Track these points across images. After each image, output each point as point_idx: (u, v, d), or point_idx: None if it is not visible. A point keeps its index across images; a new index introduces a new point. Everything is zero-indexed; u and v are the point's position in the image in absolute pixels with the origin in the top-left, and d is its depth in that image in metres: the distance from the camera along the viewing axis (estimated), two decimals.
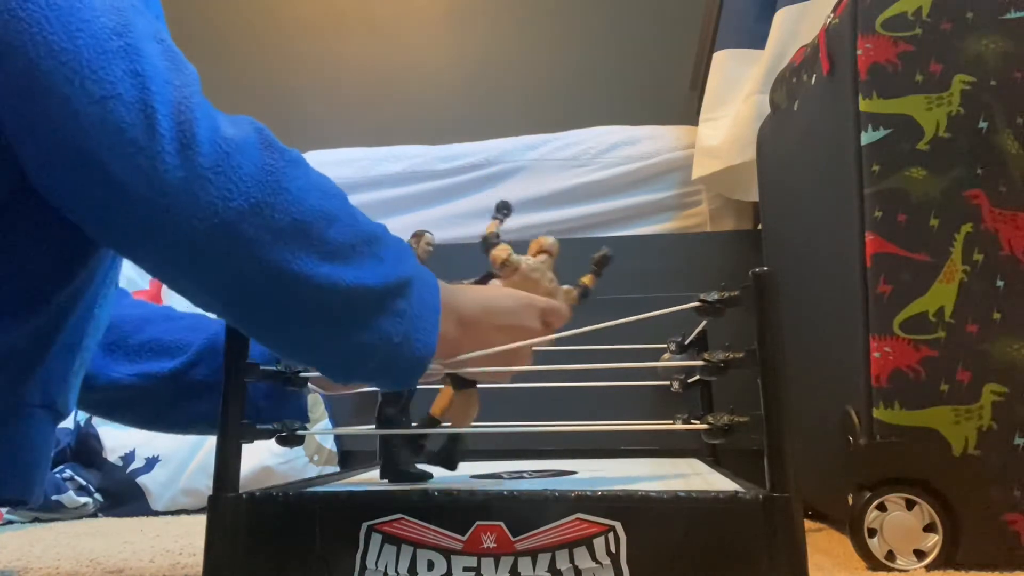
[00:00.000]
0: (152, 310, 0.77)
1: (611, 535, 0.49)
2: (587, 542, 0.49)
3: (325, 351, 0.52)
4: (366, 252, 0.51)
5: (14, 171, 0.46)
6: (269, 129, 0.51)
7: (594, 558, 0.49)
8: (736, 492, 0.50)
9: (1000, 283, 0.77)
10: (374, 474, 0.83)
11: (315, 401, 1.46)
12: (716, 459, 0.95)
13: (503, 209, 0.74)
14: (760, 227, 1.26)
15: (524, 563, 0.50)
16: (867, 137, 0.79)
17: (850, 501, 0.77)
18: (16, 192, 0.50)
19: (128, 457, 1.39)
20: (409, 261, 0.54)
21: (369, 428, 0.80)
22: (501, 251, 0.67)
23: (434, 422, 0.65)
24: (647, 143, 1.59)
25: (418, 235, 0.70)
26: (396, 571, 0.51)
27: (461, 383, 0.64)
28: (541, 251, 0.71)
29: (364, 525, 0.52)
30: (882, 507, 0.76)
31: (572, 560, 0.49)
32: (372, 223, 0.53)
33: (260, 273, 0.48)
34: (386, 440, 0.67)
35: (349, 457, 1.44)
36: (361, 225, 0.52)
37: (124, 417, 0.75)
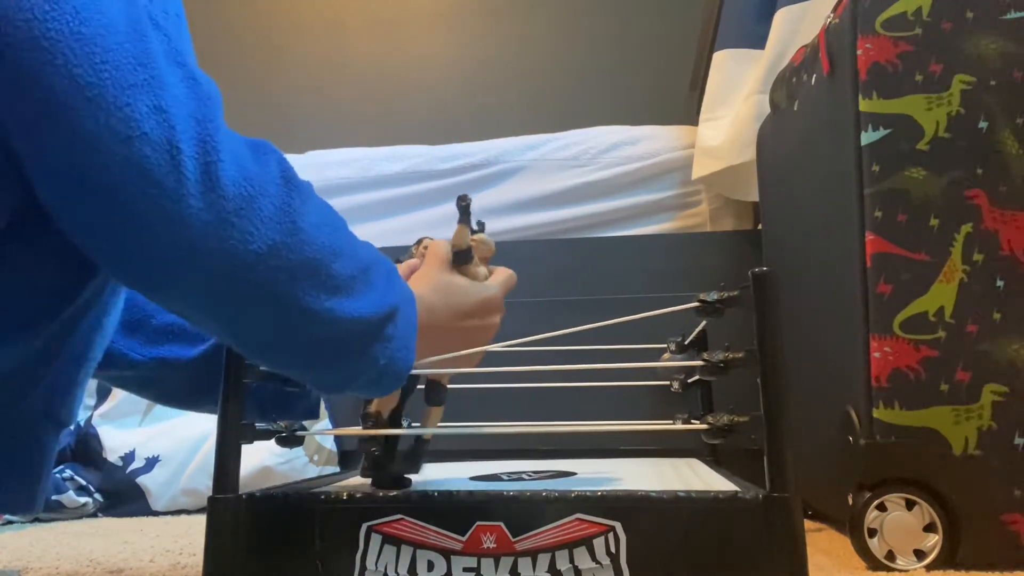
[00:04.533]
0: None
1: (611, 535, 0.49)
2: (587, 542, 0.49)
3: (321, 375, 0.54)
4: (362, 281, 0.52)
5: (20, 191, 0.46)
6: (282, 154, 0.51)
7: (594, 558, 0.49)
8: (736, 492, 0.50)
9: (1000, 283, 0.77)
10: None
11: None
12: (716, 459, 0.95)
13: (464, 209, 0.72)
14: (760, 227, 1.26)
15: (524, 563, 0.50)
16: (867, 137, 0.79)
17: (850, 501, 0.77)
18: (23, 211, 0.49)
19: (128, 457, 1.39)
20: (395, 283, 0.56)
21: (369, 429, 0.80)
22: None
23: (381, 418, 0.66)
24: (647, 143, 1.59)
25: (419, 241, 0.70)
26: (396, 571, 0.51)
27: (435, 399, 0.66)
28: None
29: (364, 525, 0.52)
30: (882, 507, 0.76)
31: (572, 560, 0.49)
32: (364, 248, 0.55)
33: (272, 310, 0.49)
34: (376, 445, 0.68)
35: (349, 457, 1.44)
36: (359, 255, 0.53)
37: (141, 392, 0.75)
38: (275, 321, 0.49)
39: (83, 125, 0.41)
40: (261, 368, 0.59)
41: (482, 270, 0.67)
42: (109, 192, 0.43)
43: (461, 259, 0.64)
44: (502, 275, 0.67)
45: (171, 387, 0.73)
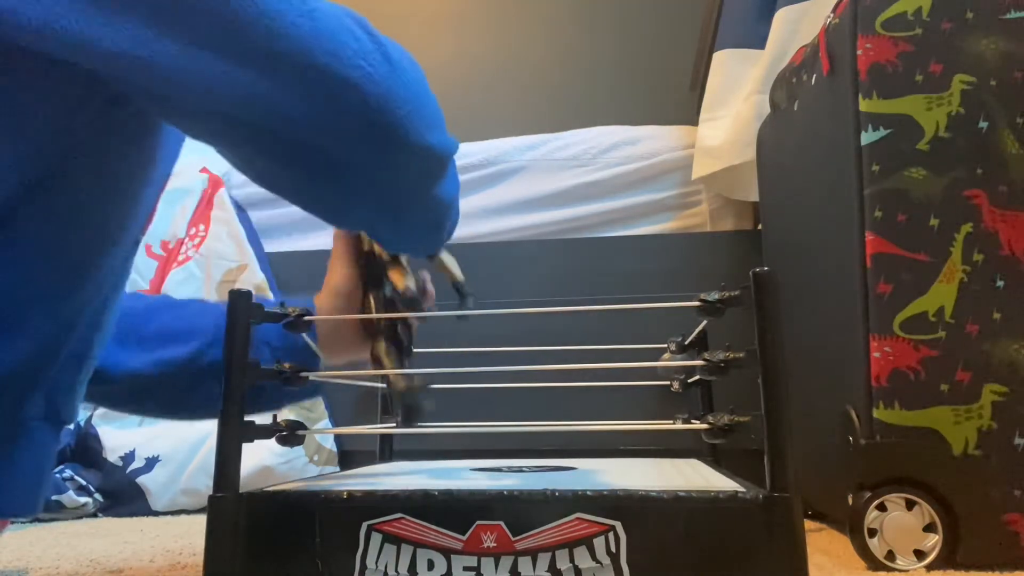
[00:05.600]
0: (155, 300, 0.77)
1: (611, 535, 0.49)
2: (587, 542, 0.49)
3: (432, 215, 0.62)
4: (441, 124, 0.57)
5: (14, 180, 0.46)
6: None
7: (594, 558, 0.49)
8: (736, 492, 0.50)
9: (1000, 283, 0.77)
10: (375, 468, 0.83)
11: (315, 401, 1.46)
12: (716, 459, 0.95)
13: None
14: (760, 227, 1.26)
15: (524, 563, 0.50)
16: (867, 137, 0.80)
17: (850, 501, 0.77)
18: (19, 202, 0.48)
19: (128, 457, 1.39)
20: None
21: (369, 428, 0.80)
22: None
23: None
24: (647, 143, 1.59)
25: None
26: (396, 571, 0.51)
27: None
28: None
29: (364, 525, 0.52)
30: (882, 507, 0.76)
31: (572, 560, 0.49)
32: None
33: (414, 155, 0.54)
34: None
35: (349, 457, 1.44)
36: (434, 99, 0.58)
37: (143, 407, 0.75)
38: (414, 167, 0.55)
39: (272, 6, 0.45)
40: (262, 368, 0.59)
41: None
42: (306, 58, 0.47)
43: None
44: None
45: (171, 393, 0.73)
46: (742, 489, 0.52)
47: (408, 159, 0.54)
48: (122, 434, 1.42)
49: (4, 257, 0.50)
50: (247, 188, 1.59)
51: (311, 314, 0.64)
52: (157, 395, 0.73)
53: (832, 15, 0.88)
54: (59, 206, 0.51)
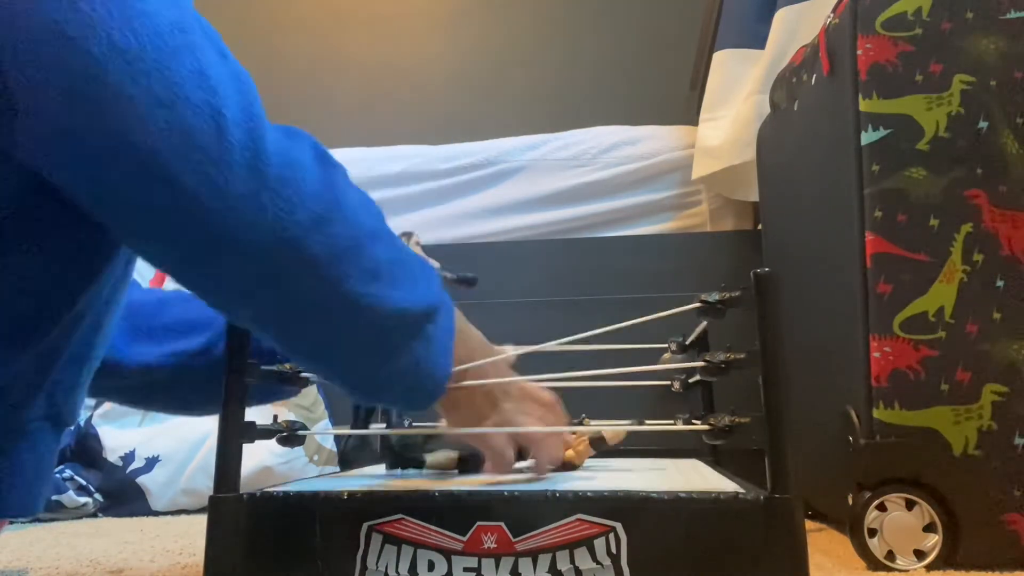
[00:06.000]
0: (167, 294, 0.76)
1: (612, 536, 0.49)
2: (588, 543, 0.49)
3: (361, 374, 0.53)
4: (402, 273, 0.51)
5: (15, 185, 0.45)
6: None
7: (595, 559, 0.49)
8: (737, 493, 0.50)
9: (1000, 283, 0.77)
10: (376, 469, 0.83)
11: (315, 401, 1.46)
12: (717, 459, 0.95)
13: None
14: (760, 227, 1.26)
15: (524, 564, 0.50)
16: (867, 137, 0.80)
17: (850, 501, 0.77)
18: (19, 208, 0.48)
19: (128, 457, 1.39)
20: (435, 283, 0.55)
21: (368, 428, 0.80)
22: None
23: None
24: (647, 143, 1.59)
25: (407, 235, 0.71)
26: (396, 571, 0.51)
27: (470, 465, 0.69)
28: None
29: (364, 525, 0.52)
30: (882, 507, 0.76)
31: (573, 561, 0.49)
32: (400, 241, 0.54)
33: (316, 290, 0.47)
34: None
35: (349, 457, 1.44)
36: (397, 243, 0.52)
37: (155, 401, 0.74)
38: (315, 305, 0.47)
39: (125, 90, 0.39)
40: (262, 368, 0.59)
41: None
42: (152, 160, 0.40)
43: None
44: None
45: (183, 387, 0.72)
46: (743, 490, 0.52)
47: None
48: (122, 434, 1.42)
49: (4, 259, 0.50)
50: None
51: None
52: (170, 388, 0.72)
53: (832, 15, 0.88)
54: (60, 209, 0.51)
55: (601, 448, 0.74)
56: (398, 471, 0.76)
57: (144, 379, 0.70)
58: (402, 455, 0.73)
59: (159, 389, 0.72)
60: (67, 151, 0.41)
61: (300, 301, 0.47)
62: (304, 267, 0.46)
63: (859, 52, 0.81)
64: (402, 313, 0.50)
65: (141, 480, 1.38)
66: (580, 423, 0.74)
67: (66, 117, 0.40)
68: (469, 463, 0.69)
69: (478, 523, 0.51)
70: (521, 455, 0.63)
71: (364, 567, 0.52)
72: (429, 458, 0.71)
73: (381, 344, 0.51)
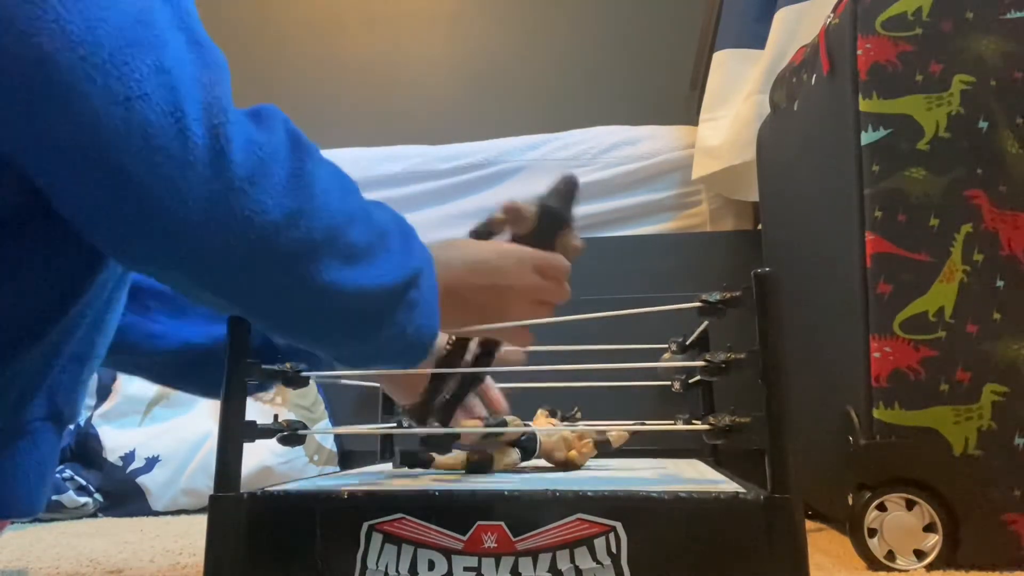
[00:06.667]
0: None
1: (612, 535, 0.49)
2: (588, 542, 0.49)
3: (349, 349, 0.53)
4: (380, 247, 0.50)
5: (15, 185, 0.44)
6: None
7: (595, 558, 0.49)
8: (737, 493, 0.50)
9: (1000, 283, 0.77)
10: (376, 468, 0.83)
11: (315, 401, 1.46)
12: (717, 459, 0.95)
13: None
14: (760, 227, 1.26)
15: (525, 563, 0.50)
16: (867, 137, 0.80)
17: (850, 501, 0.77)
18: (19, 208, 0.47)
19: (128, 457, 1.39)
20: (414, 245, 0.54)
21: (369, 428, 0.80)
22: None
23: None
24: (647, 143, 1.59)
25: None
26: (397, 571, 0.51)
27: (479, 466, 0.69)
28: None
29: (365, 525, 0.52)
30: (882, 507, 0.76)
31: (573, 560, 0.49)
32: (377, 209, 0.52)
33: (294, 285, 0.46)
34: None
35: (349, 457, 1.44)
36: (374, 218, 0.51)
37: (189, 380, 0.73)
38: (295, 297, 0.47)
39: (79, 87, 0.37)
40: (263, 368, 0.59)
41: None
42: (110, 162, 0.39)
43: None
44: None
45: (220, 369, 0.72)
46: (743, 490, 0.52)
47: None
48: (122, 434, 1.42)
49: (5, 261, 0.50)
50: None
51: None
52: (208, 368, 0.71)
53: (832, 15, 0.88)
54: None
55: (604, 450, 0.74)
56: (405, 470, 0.76)
57: (182, 357, 0.70)
58: (411, 454, 0.73)
59: (195, 368, 0.71)
60: (26, 149, 0.40)
61: (279, 295, 0.47)
62: (279, 264, 0.45)
63: (859, 52, 0.81)
64: (383, 289, 0.50)
65: (141, 480, 1.38)
66: (572, 417, 0.73)
67: (23, 116, 0.39)
68: (478, 464, 0.69)
69: (478, 523, 0.51)
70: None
71: (364, 566, 0.52)
72: (438, 458, 0.71)
73: (365, 322, 0.50)
